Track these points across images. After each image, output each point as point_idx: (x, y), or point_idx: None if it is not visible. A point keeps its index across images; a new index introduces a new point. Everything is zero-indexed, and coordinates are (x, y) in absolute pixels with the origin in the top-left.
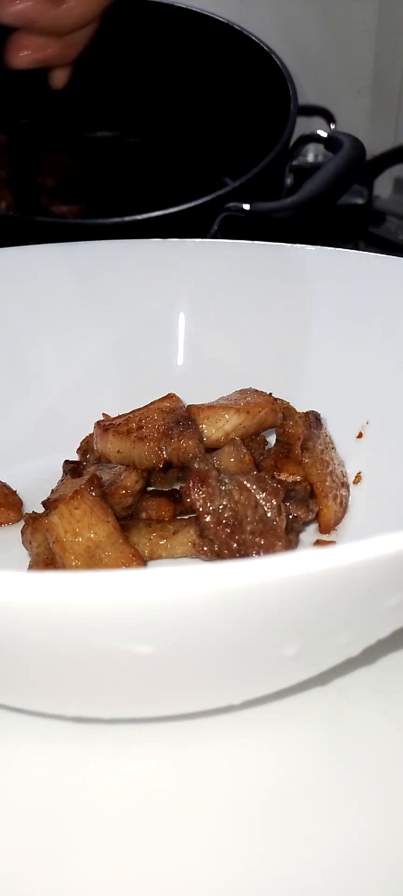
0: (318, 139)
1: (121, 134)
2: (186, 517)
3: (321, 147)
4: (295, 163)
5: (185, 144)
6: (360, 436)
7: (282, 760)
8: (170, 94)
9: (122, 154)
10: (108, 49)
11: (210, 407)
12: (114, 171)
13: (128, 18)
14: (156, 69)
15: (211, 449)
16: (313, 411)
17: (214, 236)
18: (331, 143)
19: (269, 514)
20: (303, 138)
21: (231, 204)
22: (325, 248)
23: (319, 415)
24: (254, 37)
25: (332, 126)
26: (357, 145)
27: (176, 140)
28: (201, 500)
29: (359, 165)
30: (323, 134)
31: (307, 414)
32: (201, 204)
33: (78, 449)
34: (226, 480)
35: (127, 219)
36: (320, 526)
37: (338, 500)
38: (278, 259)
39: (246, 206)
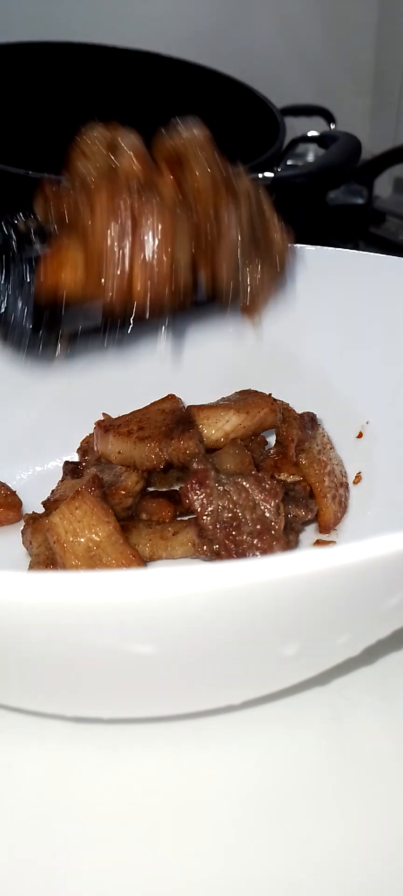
0: (310, 139)
1: None
2: (186, 518)
3: (318, 151)
4: (290, 162)
5: None
6: (360, 436)
7: (282, 760)
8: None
9: None
10: (99, 93)
11: (210, 407)
12: None
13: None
14: (147, 108)
15: (212, 449)
16: (308, 412)
17: None
18: (326, 139)
19: (268, 515)
20: (296, 140)
21: (253, 175)
22: (325, 248)
23: (315, 415)
24: (223, 73)
25: (332, 126)
26: (352, 136)
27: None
28: (199, 501)
29: (357, 151)
30: (312, 133)
31: (302, 415)
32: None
33: (78, 449)
34: (225, 481)
35: None
36: (319, 526)
37: (337, 500)
38: None
39: (270, 174)
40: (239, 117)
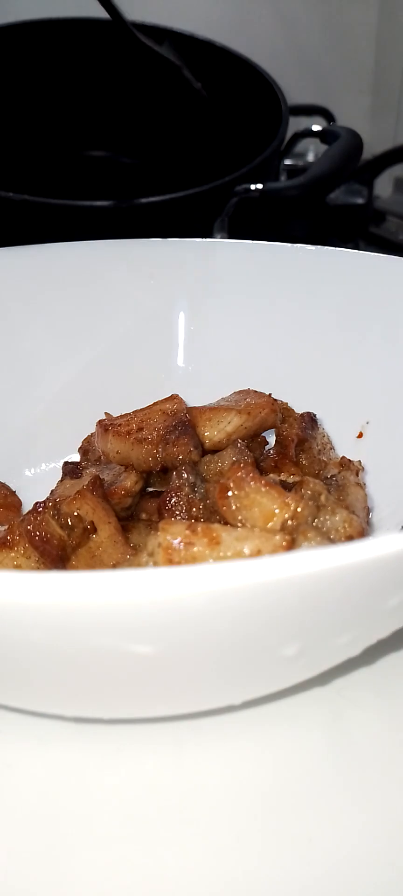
0: (312, 134)
1: (113, 154)
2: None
3: (319, 147)
4: (288, 162)
5: (178, 163)
6: (360, 436)
7: (282, 760)
8: (164, 114)
9: (116, 174)
10: (100, 70)
11: (212, 409)
12: (108, 191)
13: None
14: (150, 90)
15: (214, 450)
16: (308, 412)
17: (226, 219)
18: (328, 135)
19: None
20: (297, 135)
21: (242, 186)
22: (325, 248)
23: (315, 416)
24: (233, 50)
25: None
26: (354, 134)
27: (169, 159)
28: (170, 512)
29: (358, 152)
30: (317, 128)
31: (302, 415)
32: (208, 189)
33: (79, 448)
34: (198, 492)
35: (136, 201)
36: None
37: None
38: (278, 259)
39: (259, 186)
40: (241, 101)
